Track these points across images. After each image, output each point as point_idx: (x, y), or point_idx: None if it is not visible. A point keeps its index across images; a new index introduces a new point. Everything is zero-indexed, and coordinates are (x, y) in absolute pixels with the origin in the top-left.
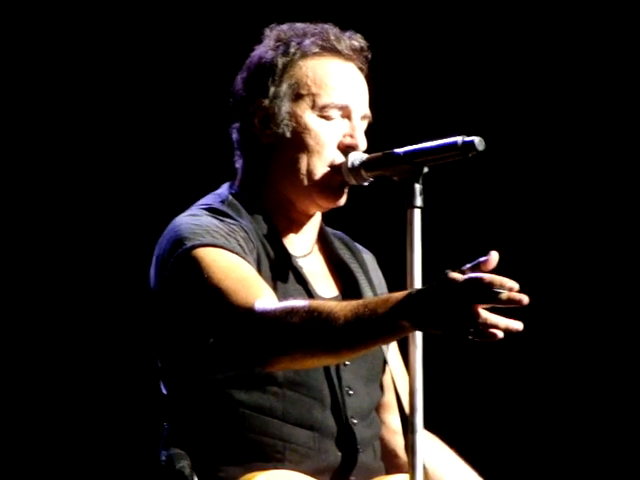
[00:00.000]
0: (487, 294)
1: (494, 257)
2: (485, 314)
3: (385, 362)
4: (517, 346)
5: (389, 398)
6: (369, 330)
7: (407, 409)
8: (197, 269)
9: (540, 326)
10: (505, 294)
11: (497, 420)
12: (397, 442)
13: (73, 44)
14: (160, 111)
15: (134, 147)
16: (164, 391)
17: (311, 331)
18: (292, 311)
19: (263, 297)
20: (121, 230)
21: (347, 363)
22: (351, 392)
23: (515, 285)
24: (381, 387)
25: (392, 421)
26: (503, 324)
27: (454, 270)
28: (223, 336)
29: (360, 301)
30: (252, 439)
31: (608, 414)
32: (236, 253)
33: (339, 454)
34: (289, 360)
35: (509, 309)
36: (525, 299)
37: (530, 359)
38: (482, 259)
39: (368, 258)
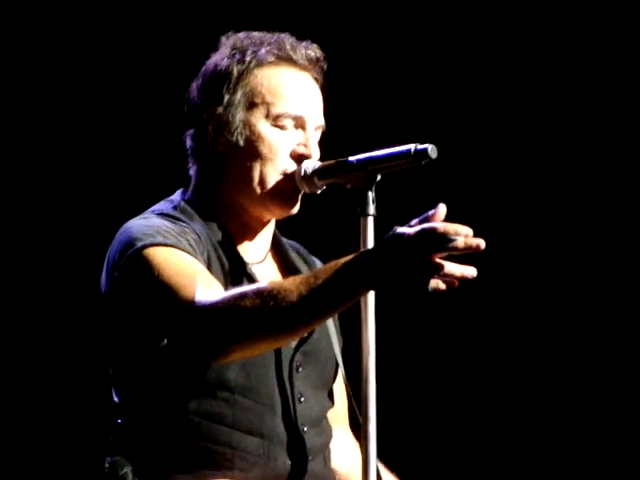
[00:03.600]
0: (443, 242)
1: (442, 209)
2: (444, 262)
3: (337, 367)
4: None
5: (340, 407)
6: (323, 299)
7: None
8: (148, 268)
9: (517, 320)
10: (461, 240)
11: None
12: (345, 457)
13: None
14: (110, 118)
15: (88, 153)
16: (115, 399)
17: (264, 311)
18: (241, 296)
19: (212, 290)
20: (71, 237)
21: (299, 369)
22: (302, 399)
23: (470, 231)
24: (330, 396)
25: (342, 434)
26: (459, 272)
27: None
28: (175, 333)
29: (308, 273)
30: (201, 446)
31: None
32: (187, 252)
33: (288, 462)
34: (245, 346)
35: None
36: (482, 243)
37: (495, 354)
38: (430, 212)
39: None
